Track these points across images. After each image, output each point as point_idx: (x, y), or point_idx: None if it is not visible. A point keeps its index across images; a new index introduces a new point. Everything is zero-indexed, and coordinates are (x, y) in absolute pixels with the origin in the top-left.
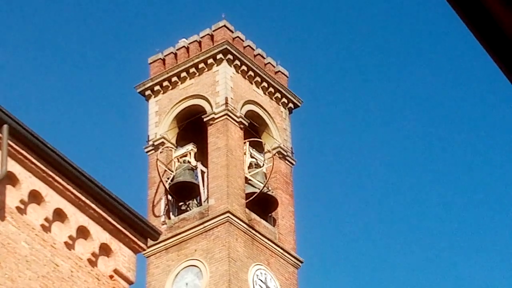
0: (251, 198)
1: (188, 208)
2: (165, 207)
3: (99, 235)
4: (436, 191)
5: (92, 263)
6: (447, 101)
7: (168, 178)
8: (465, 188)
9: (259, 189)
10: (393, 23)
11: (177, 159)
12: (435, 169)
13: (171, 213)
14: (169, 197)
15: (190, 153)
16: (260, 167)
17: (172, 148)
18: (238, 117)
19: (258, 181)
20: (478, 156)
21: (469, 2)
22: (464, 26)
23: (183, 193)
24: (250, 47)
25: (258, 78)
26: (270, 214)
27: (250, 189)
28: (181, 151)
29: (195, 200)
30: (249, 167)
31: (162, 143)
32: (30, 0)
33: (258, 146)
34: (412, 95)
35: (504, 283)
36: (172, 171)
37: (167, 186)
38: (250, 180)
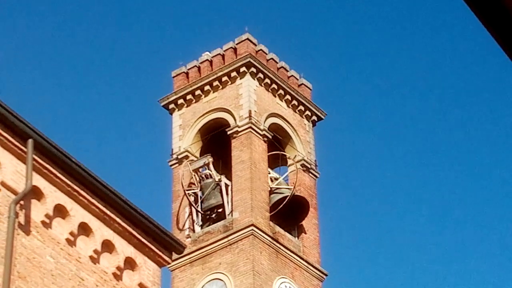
0: (282, 204)
1: (211, 221)
2: (189, 220)
3: (124, 249)
4: (468, 206)
5: (117, 277)
6: (479, 116)
7: (193, 193)
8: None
9: (287, 194)
10: (416, 37)
11: (197, 172)
12: (466, 183)
13: (195, 226)
14: (193, 210)
15: (208, 164)
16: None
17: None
18: (261, 130)
19: (284, 188)
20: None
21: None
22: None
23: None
24: (273, 60)
25: (281, 91)
26: (295, 226)
27: (278, 197)
28: (199, 163)
29: (217, 212)
30: (272, 180)
31: (186, 157)
32: (57, 15)
33: (281, 159)
34: (439, 107)
35: None
36: (195, 184)
37: (193, 203)
38: (276, 189)
